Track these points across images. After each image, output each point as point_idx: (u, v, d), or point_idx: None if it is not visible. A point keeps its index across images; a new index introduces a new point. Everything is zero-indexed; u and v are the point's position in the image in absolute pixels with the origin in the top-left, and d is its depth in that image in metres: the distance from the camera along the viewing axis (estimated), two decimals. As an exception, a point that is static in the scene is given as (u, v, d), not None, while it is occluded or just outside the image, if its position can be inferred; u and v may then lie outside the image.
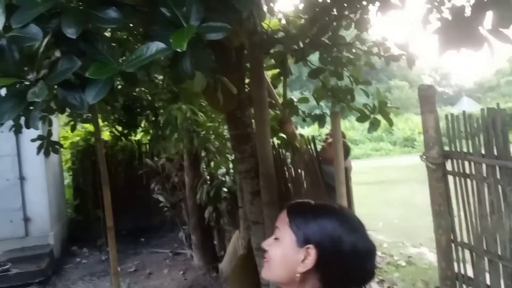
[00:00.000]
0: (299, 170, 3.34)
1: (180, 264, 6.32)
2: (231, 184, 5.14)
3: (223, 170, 5.39)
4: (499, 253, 2.03)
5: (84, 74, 1.19)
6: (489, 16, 1.93)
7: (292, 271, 1.10)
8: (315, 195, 3.15)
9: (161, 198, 6.40)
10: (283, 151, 3.69)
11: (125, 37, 3.11)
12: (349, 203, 2.75)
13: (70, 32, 1.14)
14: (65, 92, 1.23)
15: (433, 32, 2.08)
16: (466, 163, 2.18)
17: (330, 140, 3.74)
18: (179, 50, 1.17)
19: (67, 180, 9.47)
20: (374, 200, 10.49)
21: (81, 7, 1.20)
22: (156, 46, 1.19)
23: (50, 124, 4.60)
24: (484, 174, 2.07)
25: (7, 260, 6.16)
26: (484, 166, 2.07)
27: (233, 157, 5.04)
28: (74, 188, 8.99)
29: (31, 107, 1.22)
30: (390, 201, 10.20)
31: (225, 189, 5.31)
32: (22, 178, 6.79)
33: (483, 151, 2.06)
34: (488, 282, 2.15)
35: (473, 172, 2.14)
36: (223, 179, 5.27)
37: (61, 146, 4.75)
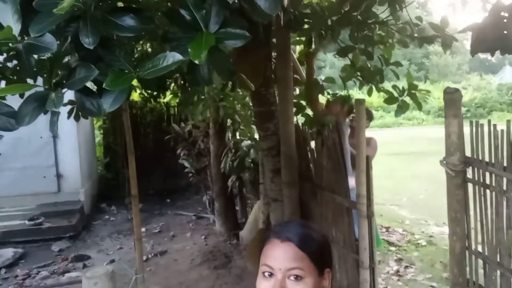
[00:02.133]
0: (321, 153, 3.32)
1: (202, 228, 6.51)
2: (255, 156, 5.17)
3: (247, 142, 5.42)
4: (512, 268, 2.02)
5: (102, 80, 1.21)
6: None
7: None
8: (336, 180, 3.15)
9: (186, 164, 6.53)
10: (307, 129, 3.66)
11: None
12: (369, 191, 2.74)
13: (87, 42, 1.14)
14: (83, 98, 1.26)
15: (468, 29, 1.98)
16: (487, 174, 2.12)
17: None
18: (197, 62, 1.16)
19: (98, 138, 9.74)
20: (402, 173, 10.34)
21: (98, 15, 1.19)
22: (173, 57, 1.18)
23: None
24: (504, 187, 2.01)
25: (40, 214, 6.50)
26: (505, 179, 2.00)
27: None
28: (105, 146, 9.27)
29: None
30: (417, 175, 10.01)
31: (249, 160, 5.35)
32: (55, 136, 7.03)
33: (505, 163, 1.99)
34: (499, 294, 2.15)
35: (493, 183, 2.08)
36: (247, 150, 5.30)
37: (91, 111, 4.86)
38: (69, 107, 4.54)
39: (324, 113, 3.76)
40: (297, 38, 3.95)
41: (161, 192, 8.51)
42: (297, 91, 4.02)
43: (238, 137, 5.92)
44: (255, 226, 4.99)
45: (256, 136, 5.57)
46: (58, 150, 7.10)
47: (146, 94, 7.37)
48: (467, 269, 2.28)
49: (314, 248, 1.09)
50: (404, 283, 4.70)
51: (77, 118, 4.80)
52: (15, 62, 1.95)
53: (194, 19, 1.34)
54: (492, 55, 1.88)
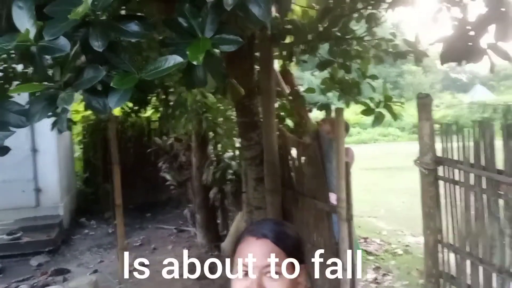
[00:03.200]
0: (302, 161, 3.46)
1: (184, 241, 6.54)
2: (237, 168, 5.29)
3: (229, 153, 5.54)
4: (480, 256, 2.18)
5: (107, 81, 1.32)
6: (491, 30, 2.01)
7: None
8: (317, 186, 3.28)
9: (168, 177, 6.59)
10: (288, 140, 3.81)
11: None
12: (348, 196, 2.89)
13: (97, 45, 1.26)
14: (90, 97, 1.36)
15: (438, 41, 2.17)
16: (456, 171, 2.31)
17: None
18: (195, 63, 1.28)
19: (77, 153, 9.69)
20: (378, 187, 10.61)
21: (106, 21, 1.31)
22: (173, 59, 1.31)
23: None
24: (472, 183, 2.19)
25: (18, 228, 6.42)
26: (472, 175, 2.19)
27: (239, 141, 5.18)
28: (84, 161, 9.23)
29: (59, 110, 1.35)
30: (394, 188, 10.29)
31: (230, 171, 5.45)
32: (34, 150, 7.00)
33: (472, 161, 2.18)
34: (468, 282, 2.30)
35: (462, 180, 2.26)
36: (229, 162, 5.41)
37: (74, 123, 4.91)
38: (49, 120, 4.64)
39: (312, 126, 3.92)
40: (277, 54, 4.13)
41: (141, 207, 8.50)
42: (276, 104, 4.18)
43: (220, 149, 6.03)
44: (236, 238, 5.07)
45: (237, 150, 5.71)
46: (37, 164, 7.06)
47: (127, 109, 7.43)
48: (440, 261, 2.44)
49: (290, 244, 1.08)
50: (382, 290, 4.85)
51: (60, 131, 4.84)
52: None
53: (190, 26, 1.47)
54: (459, 64, 2.07)
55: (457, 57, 2.02)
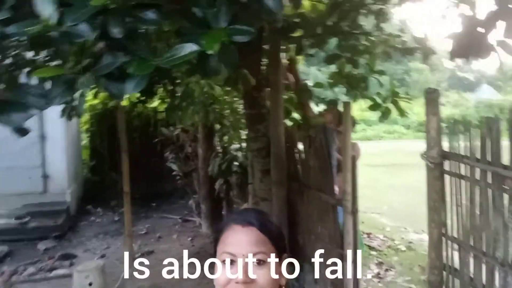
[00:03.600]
0: (308, 153, 3.51)
1: (188, 230, 6.62)
2: (243, 160, 5.33)
3: (236, 145, 5.58)
4: (484, 249, 2.22)
5: (124, 67, 1.37)
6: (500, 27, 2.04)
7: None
8: (323, 179, 3.33)
9: (174, 167, 6.66)
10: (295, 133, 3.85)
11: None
12: (354, 189, 2.93)
13: (116, 32, 1.30)
14: (107, 82, 1.41)
15: (447, 37, 2.20)
16: (462, 165, 2.34)
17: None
18: (211, 52, 1.33)
19: (84, 141, 9.78)
20: (382, 183, 10.63)
21: (124, 8, 1.35)
22: (190, 47, 1.35)
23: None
24: (477, 177, 2.23)
25: (26, 213, 6.52)
26: (477, 170, 2.22)
27: (246, 133, 5.23)
28: (91, 149, 9.30)
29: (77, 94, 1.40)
30: (397, 185, 10.32)
31: (236, 163, 5.50)
32: (42, 137, 7.08)
33: (478, 156, 2.21)
34: (471, 274, 2.34)
35: (468, 174, 2.30)
36: (235, 154, 5.46)
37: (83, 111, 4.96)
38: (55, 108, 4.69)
39: (317, 119, 3.96)
40: (284, 47, 4.16)
41: (147, 196, 8.56)
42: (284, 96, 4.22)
43: (226, 141, 6.07)
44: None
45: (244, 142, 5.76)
46: (45, 150, 7.14)
47: (134, 99, 7.48)
48: (444, 253, 2.48)
49: (275, 233, 1.08)
50: (384, 285, 4.90)
51: (69, 118, 4.91)
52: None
53: (205, 16, 1.51)
54: (468, 60, 2.10)
55: (466, 53, 2.05)
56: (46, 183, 7.14)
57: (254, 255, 1.01)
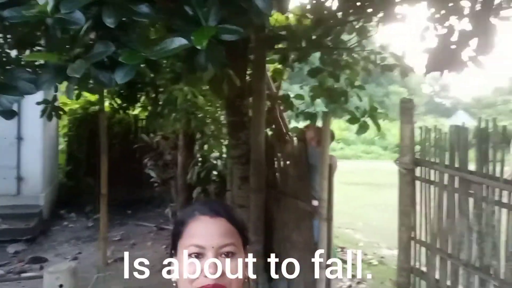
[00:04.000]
0: (288, 162, 3.57)
1: (164, 238, 6.56)
2: (222, 168, 5.37)
3: (215, 154, 5.62)
4: (449, 252, 2.32)
5: (115, 57, 1.41)
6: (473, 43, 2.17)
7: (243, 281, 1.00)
8: (301, 187, 3.39)
9: (152, 174, 6.64)
10: (275, 142, 3.92)
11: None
12: (330, 197, 3.00)
13: (109, 22, 1.35)
14: (97, 71, 1.45)
15: (423, 51, 2.32)
16: (432, 172, 2.45)
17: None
18: (199, 47, 1.39)
19: (61, 145, 9.64)
20: (359, 201, 10.80)
21: (119, 0, 1.40)
22: (179, 41, 1.41)
23: (56, 89, 4.80)
24: (446, 182, 2.34)
25: (-3, 215, 6.36)
26: (446, 175, 2.33)
27: (226, 143, 5.27)
28: (68, 154, 9.18)
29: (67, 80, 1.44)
30: (373, 203, 10.48)
31: (215, 172, 5.54)
32: (19, 138, 6.96)
33: (447, 162, 2.33)
34: (437, 276, 2.44)
35: (437, 180, 2.41)
36: (215, 162, 5.50)
37: (64, 112, 4.94)
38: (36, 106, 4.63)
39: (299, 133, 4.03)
40: (268, 58, 4.26)
41: (123, 204, 8.45)
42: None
43: (206, 149, 6.11)
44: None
45: (224, 150, 5.81)
46: (21, 152, 7.01)
47: (115, 105, 7.47)
48: (412, 256, 2.57)
49: (241, 223, 1.04)
50: (356, 297, 4.96)
51: (49, 118, 4.87)
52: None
53: (196, 15, 1.57)
54: (441, 74, 2.22)
55: (440, 68, 2.17)
56: (20, 185, 6.99)
57: (223, 247, 0.96)
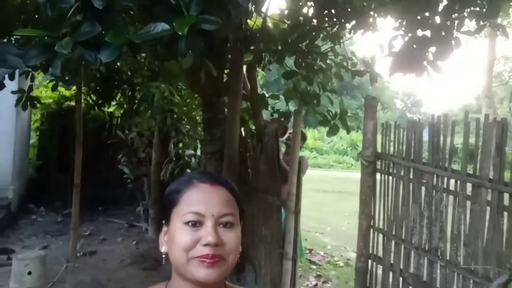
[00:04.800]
0: (259, 159, 3.71)
1: (134, 235, 6.58)
2: (196, 166, 5.46)
3: (190, 151, 5.71)
4: (403, 237, 2.50)
5: (101, 38, 1.52)
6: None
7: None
8: (271, 182, 3.53)
9: (126, 170, 6.65)
10: (249, 140, 4.05)
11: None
12: (298, 191, 3.14)
13: (97, 4, 1.46)
14: (83, 50, 1.55)
15: (387, 55, 2.50)
16: (391, 164, 2.64)
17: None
18: (180, 33, 1.51)
19: (33, 140, 9.50)
20: (329, 207, 11.04)
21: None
22: (162, 26, 1.53)
23: (32, 79, 4.81)
24: (402, 173, 2.53)
25: (-37, 206, 6.25)
26: (402, 166, 2.52)
27: (201, 140, 5.37)
28: (39, 149, 9.06)
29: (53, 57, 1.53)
30: (343, 210, 10.72)
31: (189, 170, 5.61)
32: (-10, 130, 6.87)
33: (404, 155, 2.52)
34: (391, 261, 2.61)
35: (395, 171, 2.60)
36: (189, 160, 5.58)
37: (40, 102, 4.94)
38: (10, 98, 4.63)
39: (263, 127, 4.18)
40: (246, 59, 4.40)
41: (93, 200, 8.39)
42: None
43: (181, 147, 6.19)
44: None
45: (198, 148, 5.90)
46: (-9, 144, 6.92)
47: (91, 101, 7.46)
48: (370, 243, 2.74)
49: (239, 195, 1.00)
50: (321, 296, 5.12)
51: (24, 107, 4.87)
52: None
53: (178, 4, 1.70)
54: (404, 75, 2.41)
55: (403, 69, 2.36)
56: (-12, 177, 6.88)
57: (224, 216, 0.92)
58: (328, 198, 12.62)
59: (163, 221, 0.99)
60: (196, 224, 0.91)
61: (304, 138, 5.06)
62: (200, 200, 0.93)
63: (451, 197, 2.17)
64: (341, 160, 25.36)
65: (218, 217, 0.92)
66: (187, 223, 0.91)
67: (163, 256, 0.97)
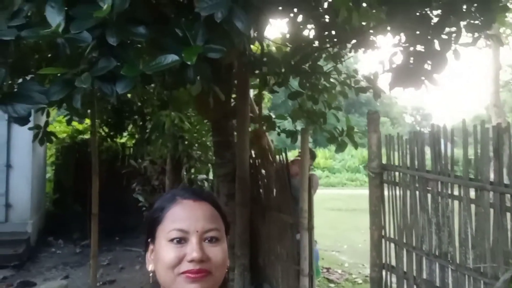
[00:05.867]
0: (270, 178, 3.80)
1: (151, 262, 6.63)
2: (209, 189, 5.56)
3: (202, 176, 5.82)
4: (414, 244, 2.55)
5: (116, 72, 1.65)
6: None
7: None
8: (283, 200, 3.61)
9: (140, 198, 6.76)
10: (258, 161, 4.16)
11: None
12: (310, 209, 3.22)
13: (112, 41, 1.60)
14: (100, 83, 1.68)
15: (388, 71, 2.62)
16: (397, 173, 2.72)
17: (297, 158, 4.23)
18: (189, 63, 1.63)
19: (49, 174, 9.70)
20: (344, 225, 10.99)
21: (120, 22, 1.65)
22: (171, 57, 1.66)
23: (48, 115, 5.00)
24: (407, 182, 2.60)
25: (-16, 242, 6.38)
26: (408, 176, 2.60)
27: (214, 160, 5.47)
28: (55, 182, 9.24)
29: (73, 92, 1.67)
30: (358, 227, 10.64)
31: (202, 194, 5.71)
32: (8, 166, 7.06)
33: (409, 165, 2.59)
34: (405, 269, 2.66)
35: (400, 181, 2.67)
36: (201, 184, 5.68)
37: (56, 137, 5.12)
38: (27, 134, 4.81)
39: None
40: (252, 83, 4.55)
41: (110, 230, 8.49)
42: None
43: (193, 172, 6.29)
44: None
45: (210, 172, 6.01)
46: (10, 179, 7.10)
47: (103, 133, 7.65)
48: (383, 253, 2.79)
49: (223, 210, 1.00)
50: (340, 313, 5.10)
51: (41, 142, 5.05)
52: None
53: (185, 36, 1.83)
54: (404, 89, 2.51)
55: (402, 83, 2.46)
56: (8, 212, 7.04)
57: (208, 231, 0.92)
58: (343, 216, 12.57)
59: (149, 240, 0.98)
60: (181, 241, 0.90)
61: (313, 156, 5.14)
62: (183, 217, 0.93)
63: (456, 203, 2.24)
64: (353, 178, 25.23)
65: (202, 233, 0.91)
66: (171, 240, 0.90)
67: (150, 275, 0.97)
